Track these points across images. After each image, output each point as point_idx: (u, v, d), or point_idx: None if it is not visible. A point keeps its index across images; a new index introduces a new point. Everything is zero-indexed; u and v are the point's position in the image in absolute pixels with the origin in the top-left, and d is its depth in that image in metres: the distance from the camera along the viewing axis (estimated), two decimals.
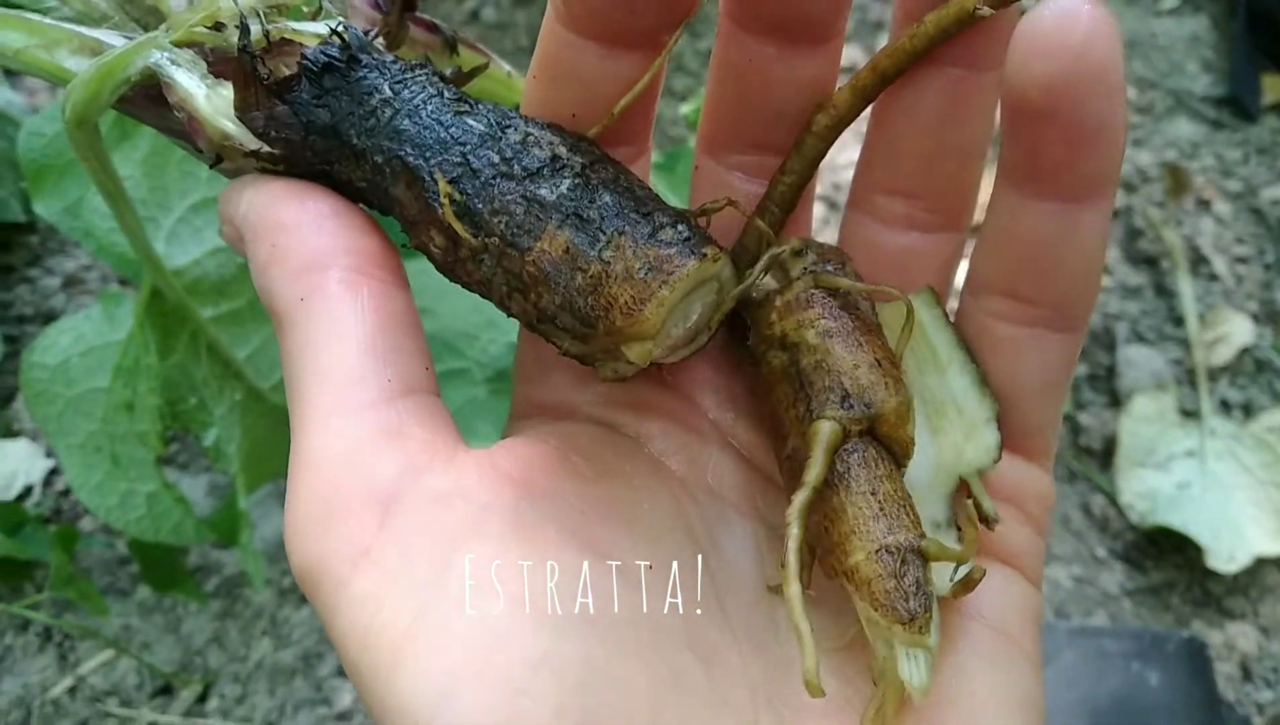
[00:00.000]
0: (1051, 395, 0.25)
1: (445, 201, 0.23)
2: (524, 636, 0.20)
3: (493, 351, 0.69)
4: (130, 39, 0.32)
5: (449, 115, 0.24)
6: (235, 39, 0.28)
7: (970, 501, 0.25)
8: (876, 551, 0.22)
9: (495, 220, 0.23)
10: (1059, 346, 0.24)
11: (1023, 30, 0.20)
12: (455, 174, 0.23)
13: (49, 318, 0.76)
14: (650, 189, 0.24)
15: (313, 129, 0.25)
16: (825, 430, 0.23)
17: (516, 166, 0.23)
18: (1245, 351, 0.83)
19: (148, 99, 0.30)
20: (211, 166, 0.29)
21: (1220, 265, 0.89)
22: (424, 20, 0.32)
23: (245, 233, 0.25)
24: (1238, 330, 0.84)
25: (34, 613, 0.61)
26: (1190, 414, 0.80)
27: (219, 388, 0.54)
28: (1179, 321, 0.85)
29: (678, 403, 0.26)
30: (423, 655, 0.19)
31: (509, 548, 0.21)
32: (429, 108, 0.24)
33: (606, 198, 0.23)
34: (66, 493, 0.69)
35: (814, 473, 0.22)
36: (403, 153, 0.24)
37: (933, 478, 0.25)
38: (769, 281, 0.25)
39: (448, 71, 0.29)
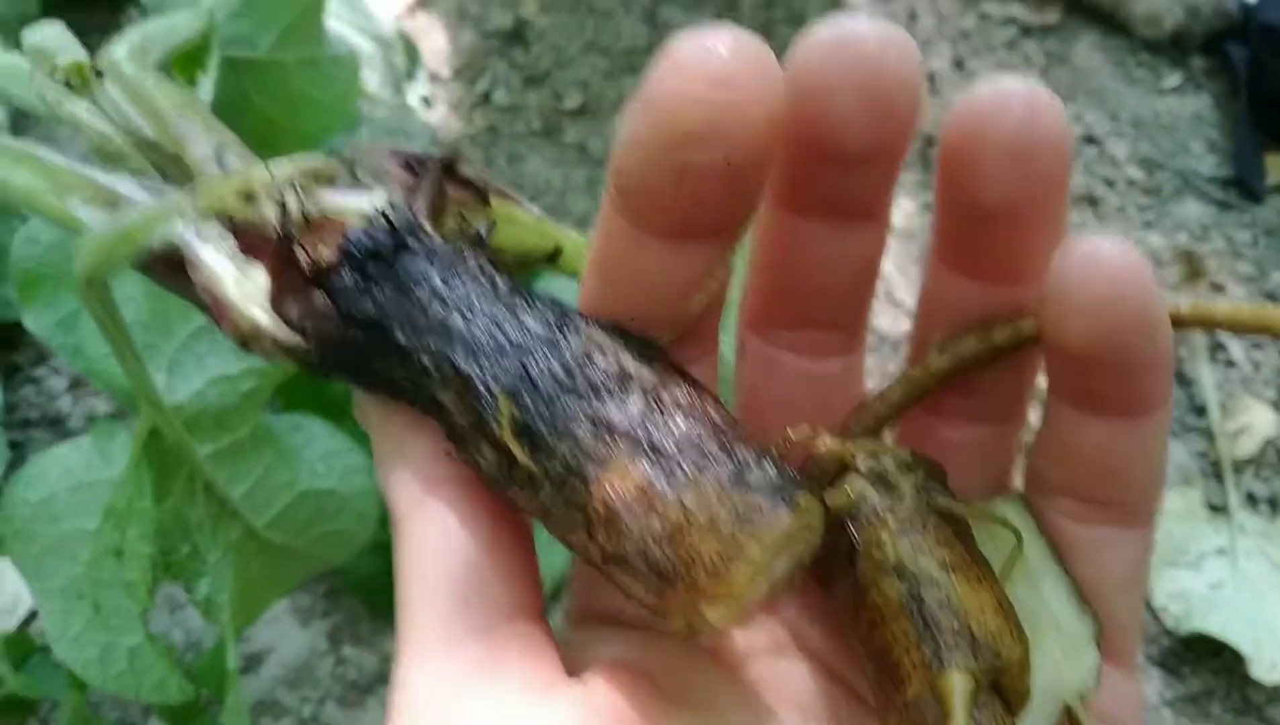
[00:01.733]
0: (1131, 593, 0.24)
1: (505, 420, 0.20)
2: None
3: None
4: (150, 189, 0.30)
5: (505, 313, 0.22)
6: (269, 214, 0.25)
7: None
8: None
9: (558, 444, 0.20)
10: (1133, 543, 0.24)
11: (1053, 285, 0.20)
12: (513, 385, 0.21)
13: (55, 421, 0.73)
14: (726, 411, 0.21)
15: (353, 322, 0.22)
16: (962, 686, 0.21)
17: (580, 380, 0.20)
18: (1269, 442, 0.84)
19: (168, 266, 0.27)
20: (250, 352, 0.26)
21: (1237, 352, 0.89)
22: (458, 176, 0.29)
23: (372, 423, 0.24)
24: (1259, 420, 0.84)
25: None
26: (1218, 509, 0.80)
27: (213, 529, 0.52)
28: (1200, 411, 0.85)
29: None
30: None
31: None
32: (483, 303, 0.22)
33: (683, 425, 0.20)
34: None
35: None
36: (454, 356, 0.21)
37: (1035, 700, 0.24)
38: (874, 495, 0.23)
39: (483, 227, 0.25)
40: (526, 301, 0.22)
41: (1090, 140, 1.02)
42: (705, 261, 0.21)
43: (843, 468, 0.23)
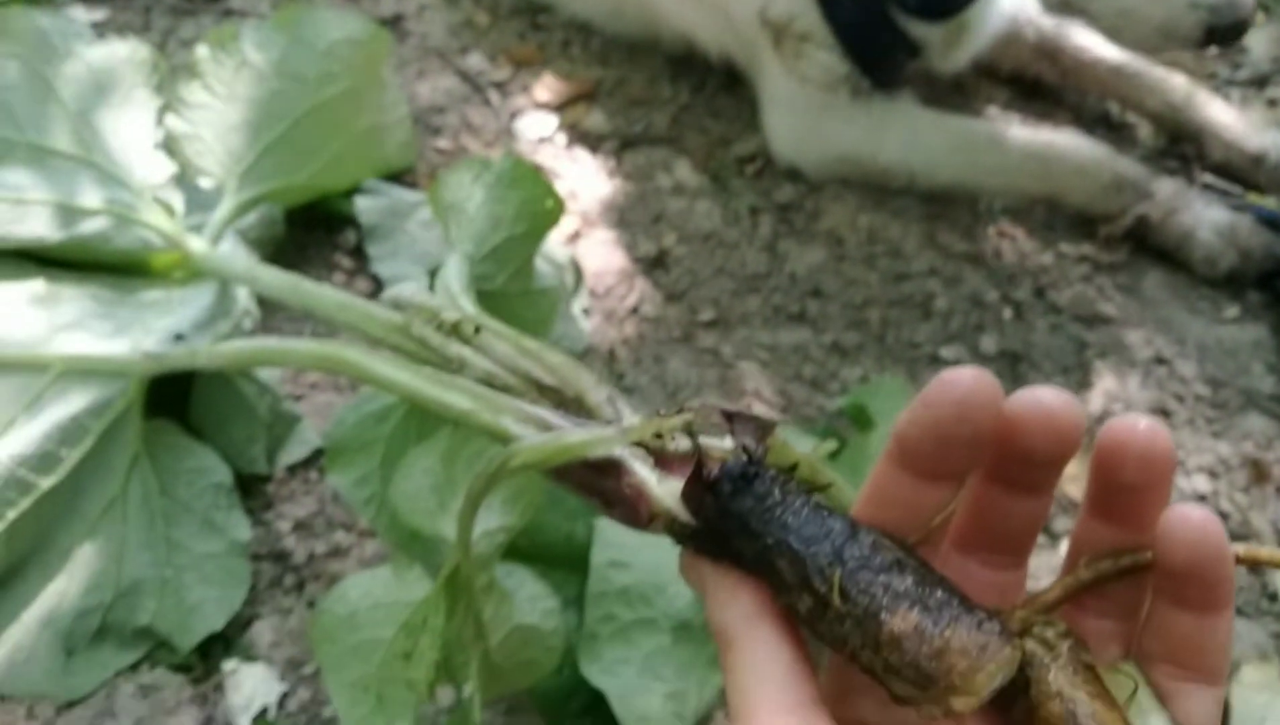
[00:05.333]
0: None
1: (835, 582, 0.35)
2: None
3: (678, 604, 0.80)
4: (569, 418, 0.46)
5: (819, 518, 0.37)
6: (674, 446, 0.41)
7: None
8: None
9: (860, 597, 0.35)
10: (1211, 696, 0.37)
11: (1164, 531, 0.34)
12: (829, 560, 0.35)
13: (279, 556, 0.88)
14: (958, 588, 0.36)
15: (723, 514, 0.38)
16: None
17: (874, 562, 0.35)
18: None
19: (585, 468, 0.43)
20: (633, 526, 0.42)
21: None
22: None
23: (707, 585, 0.38)
24: None
25: None
26: None
27: (471, 648, 0.65)
28: (1273, 598, 0.95)
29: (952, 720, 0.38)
30: None
31: None
32: (804, 511, 0.37)
33: (939, 593, 0.35)
34: (297, 714, 0.79)
35: None
36: (789, 540, 0.36)
37: None
38: (1043, 648, 0.36)
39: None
40: (827, 512, 0.38)
41: (1160, 361, 1.15)
42: (942, 497, 0.37)
43: (1025, 630, 0.37)
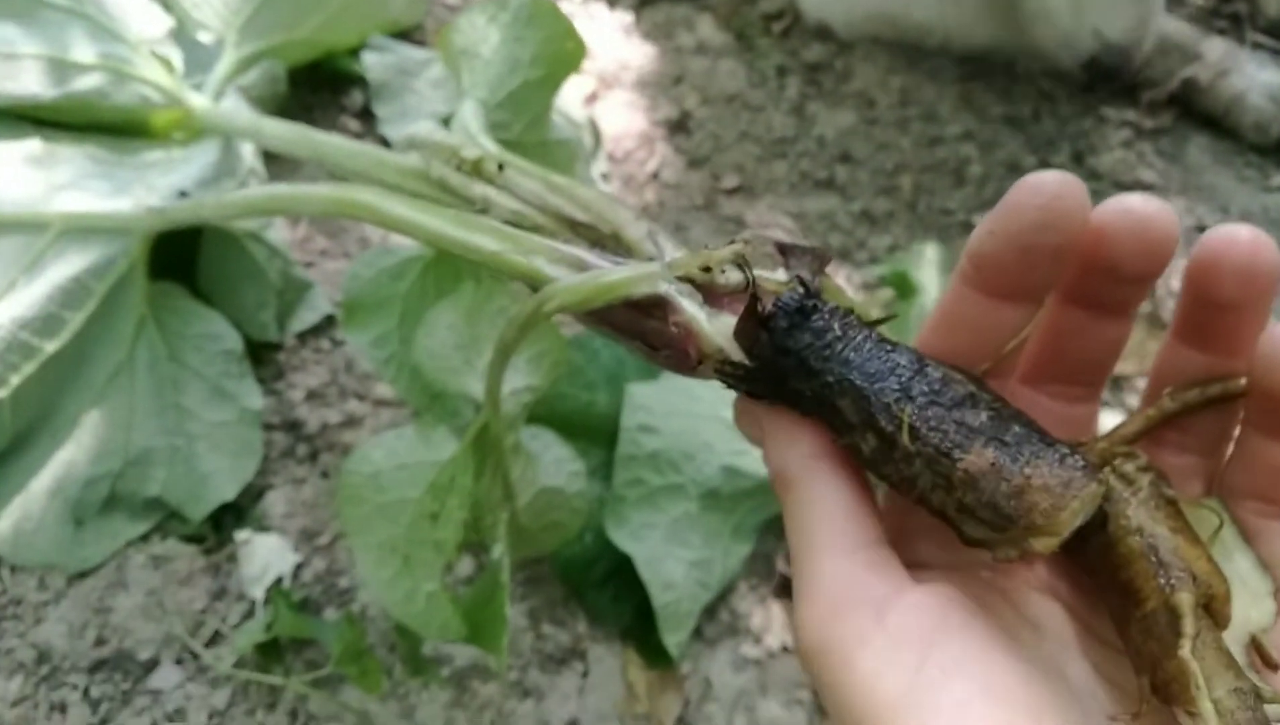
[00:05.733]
0: None
1: (905, 418, 0.32)
2: (985, 709, 0.28)
3: (707, 472, 0.77)
4: (606, 257, 0.42)
5: (882, 352, 0.34)
6: (724, 280, 0.37)
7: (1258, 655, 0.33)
8: (1232, 691, 0.30)
9: (931, 435, 0.32)
10: None
11: (1263, 351, 0.31)
12: (895, 397, 0.32)
13: (292, 426, 0.86)
14: (1035, 422, 0.33)
15: (780, 352, 0.34)
16: (1188, 602, 0.31)
17: (944, 397, 0.32)
18: None
19: (626, 308, 0.39)
20: (680, 371, 0.38)
21: None
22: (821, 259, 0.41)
23: (765, 428, 0.36)
24: None
25: (308, 688, 0.69)
26: None
27: (499, 508, 0.63)
28: None
29: (1019, 566, 0.36)
30: (912, 719, 0.29)
31: (966, 648, 0.30)
32: (867, 345, 0.34)
33: (1016, 428, 0.32)
34: (311, 584, 0.78)
35: (1189, 627, 0.30)
36: (852, 377, 0.33)
37: (1230, 630, 0.34)
38: (1120, 485, 0.34)
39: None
40: (890, 345, 0.34)
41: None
42: (1019, 318, 0.33)
43: (1104, 464, 0.34)
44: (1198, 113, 1.19)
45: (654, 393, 0.80)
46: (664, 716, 0.73)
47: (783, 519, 0.36)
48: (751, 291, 0.35)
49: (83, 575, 0.75)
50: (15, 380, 0.73)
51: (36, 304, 0.73)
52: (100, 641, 0.72)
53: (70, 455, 0.76)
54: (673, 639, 0.74)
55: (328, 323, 0.91)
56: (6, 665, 0.71)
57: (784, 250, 0.39)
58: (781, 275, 0.38)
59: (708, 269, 0.38)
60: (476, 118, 0.65)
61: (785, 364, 0.34)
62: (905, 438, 0.32)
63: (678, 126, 1.14)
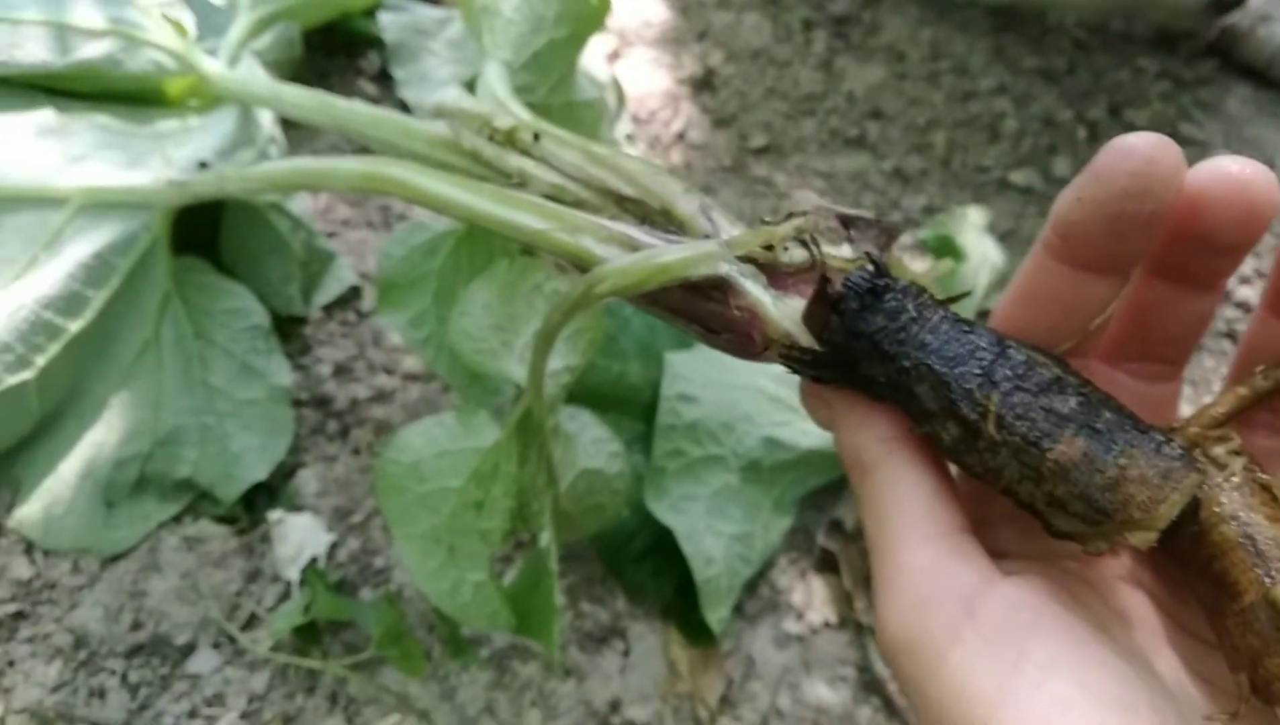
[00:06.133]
0: None
1: (992, 406, 0.30)
2: (1085, 709, 0.27)
3: (747, 443, 0.75)
4: (658, 237, 0.39)
5: (960, 334, 0.31)
6: (788, 258, 0.35)
7: None
8: None
9: (1018, 423, 0.29)
10: None
11: None
12: (978, 382, 0.30)
13: (321, 402, 0.84)
14: (1126, 407, 0.31)
15: (852, 335, 0.32)
16: None
17: (1030, 382, 0.30)
18: None
19: (683, 290, 0.37)
20: (741, 355, 0.36)
21: None
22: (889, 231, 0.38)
23: (835, 411, 0.34)
24: None
25: (347, 671, 0.68)
26: None
27: (543, 494, 0.61)
28: None
29: (1106, 556, 0.34)
30: (1009, 718, 0.27)
31: (1061, 645, 0.28)
32: (944, 326, 0.31)
33: (1108, 414, 0.29)
34: (346, 564, 0.76)
35: None
36: (930, 362, 0.31)
37: None
38: (1216, 468, 0.32)
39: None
40: (968, 326, 0.32)
41: None
42: (1106, 292, 0.31)
43: (1193, 447, 0.32)
44: (1238, 63, 1.16)
45: (691, 361, 0.78)
46: (707, 695, 0.72)
47: (856, 503, 0.34)
48: (822, 272, 0.33)
49: (115, 558, 0.74)
50: (41, 361, 0.71)
51: (58, 282, 0.71)
52: (136, 625, 0.71)
53: (99, 437, 0.74)
54: (715, 616, 0.73)
55: (352, 294, 0.89)
56: (45, 650, 0.70)
57: (847, 222, 0.37)
58: (847, 251, 0.36)
59: (770, 247, 0.36)
60: (503, 82, 0.62)
61: (857, 348, 0.32)
62: (991, 427, 0.30)
63: (702, 84, 1.11)
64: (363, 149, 1.01)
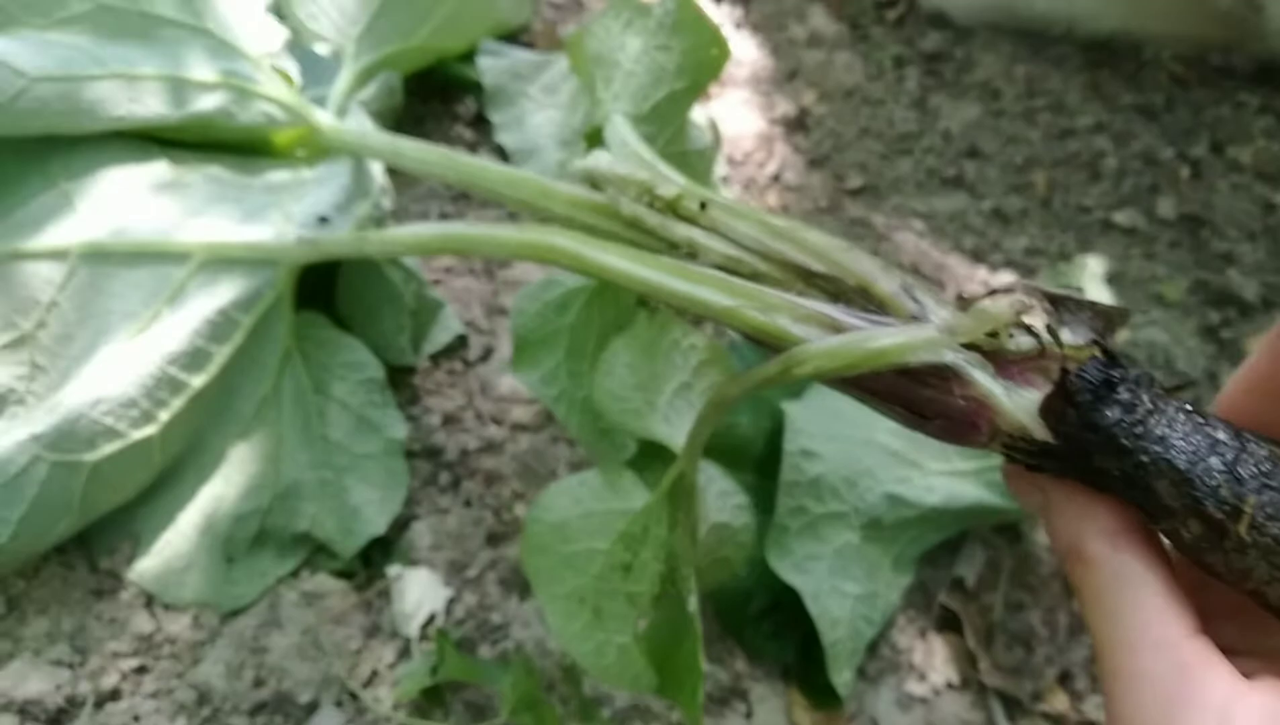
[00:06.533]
0: None
1: (1246, 510, 0.29)
2: None
3: (869, 499, 0.74)
4: (860, 317, 0.38)
5: (1198, 427, 0.30)
6: (1014, 346, 0.34)
7: None
8: None
9: (1270, 524, 0.28)
10: None
11: None
12: (1224, 479, 0.29)
13: (432, 453, 0.84)
14: None
15: (1088, 428, 0.31)
16: None
17: (1275, 480, 0.29)
18: None
19: (897, 376, 0.36)
20: (955, 442, 0.35)
21: None
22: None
23: (1050, 498, 0.33)
24: None
25: None
26: None
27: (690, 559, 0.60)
28: None
29: None
30: None
31: None
32: (1180, 418, 0.30)
33: None
34: (464, 621, 0.76)
35: None
36: (1171, 457, 0.30)
37: None
38: None
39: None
40: (1202, 417, 0.31)
41: None
42: None
43: None
44: None
45: (810, 413, 0.77)
46: None
47: (1078, 595, 0.32)
48: (1062, 366, 0.32)
49: (235, 613, 0.74)
50: (165, 416, 0.71)
51: (183, 338, 0.71)
52: (259, 682, 0.71)
53: (218, 490, 0.74)
54: (841, 679, 0.71)
55: (459, 343, 0.89)
56: (168, 707, 0.69)
57: (1055, 302, 0.36)
58: (1068, 336, 0.35)
59: (994, 333, 0.35)
60: (642, 144, 0.61)
61: (1091, 441, 0.31)
62: (1242, 527, 0.28)
63: (796, 124, 1.10)
64: (462, 195, 1.02)
